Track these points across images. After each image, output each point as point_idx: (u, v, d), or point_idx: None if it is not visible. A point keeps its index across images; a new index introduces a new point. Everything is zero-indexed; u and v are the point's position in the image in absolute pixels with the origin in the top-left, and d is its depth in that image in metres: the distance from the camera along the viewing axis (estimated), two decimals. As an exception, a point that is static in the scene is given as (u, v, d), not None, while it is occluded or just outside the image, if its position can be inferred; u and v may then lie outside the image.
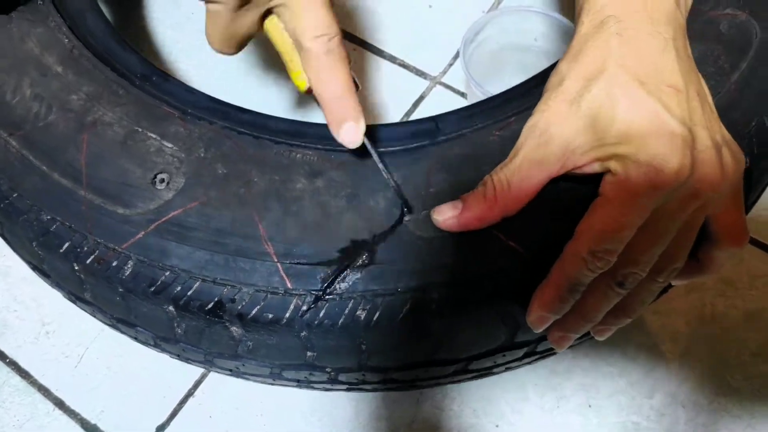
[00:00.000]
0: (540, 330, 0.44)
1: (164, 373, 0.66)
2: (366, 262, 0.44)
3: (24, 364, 0.68)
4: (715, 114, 0.42)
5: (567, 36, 0.73)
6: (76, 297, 0.54)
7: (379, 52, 0.83)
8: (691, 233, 0.41)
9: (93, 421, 0.65)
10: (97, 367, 0.67)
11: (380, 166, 0.46)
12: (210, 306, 0.45)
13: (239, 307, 0.45)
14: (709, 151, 0.39)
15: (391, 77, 0.80)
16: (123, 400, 0.66)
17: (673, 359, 0.65)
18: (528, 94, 0.50)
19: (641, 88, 0.39)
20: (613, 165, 0.39)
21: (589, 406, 0.63)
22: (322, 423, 0.64)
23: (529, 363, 0.55)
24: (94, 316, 0.57)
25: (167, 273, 0.45)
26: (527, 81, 0.53)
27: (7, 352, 0.69)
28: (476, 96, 0.70)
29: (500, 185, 0.42)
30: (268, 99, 0.80)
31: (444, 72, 0.82)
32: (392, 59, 0.82)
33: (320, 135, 0.49)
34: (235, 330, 0.46)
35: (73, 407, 0.66)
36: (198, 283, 0.45)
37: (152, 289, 0.46)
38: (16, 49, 0.53)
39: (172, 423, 0.65)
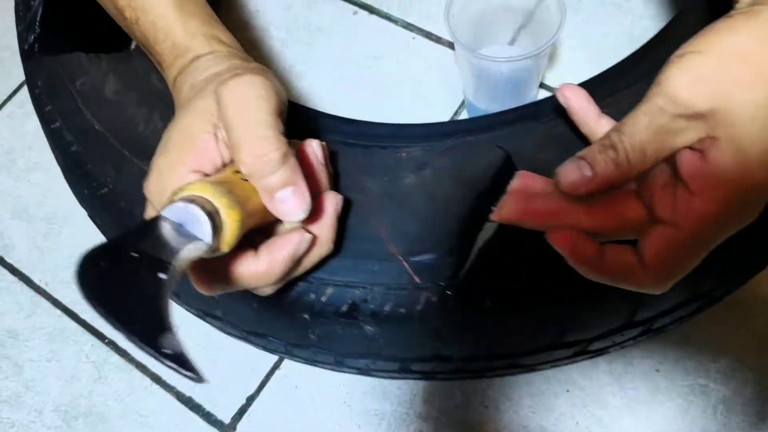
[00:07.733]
0: None
1: (251, 347, 0.70)
2: (483, 257, 0.45)
3: (122, 343, 0.73)
4: None
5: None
6: (205, 313, 0.56)
7: (437, 39, 0.85)
8: None
9: (188, 394, 0.70)
10: (188, 344, 0.70)
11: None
12: (345, 308, 0.47)
13: (372, 306, 0.46)
14: (743, 152, 0.36)
15: (452, 64, 0.83)
16: (214, 374, 0.70)
17: (739, 325, 0.67)
18: (629, 70, 0.51)
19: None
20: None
21: (657, 370, 0.65)
22: (401, 391, 0.67)
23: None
24: (222, 331, 0.59)
25: (300, 282, 0.47)
26: (626, 59, 0.53)
27: (105, 332, 0.74)
28: (462, 56, 0.69)
29: (634, 153, 0.38)
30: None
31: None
32: (451, 46, 0.85)
33: (423, 134, 0.51)
34: (369, 328, 0.48)
35: (168, 381, 0.71)
36: (331, 289, 0.47)
37: (287, 300, 0.47)
38: (142, 83, 0.55)
39: (261, 393, 0.69)
